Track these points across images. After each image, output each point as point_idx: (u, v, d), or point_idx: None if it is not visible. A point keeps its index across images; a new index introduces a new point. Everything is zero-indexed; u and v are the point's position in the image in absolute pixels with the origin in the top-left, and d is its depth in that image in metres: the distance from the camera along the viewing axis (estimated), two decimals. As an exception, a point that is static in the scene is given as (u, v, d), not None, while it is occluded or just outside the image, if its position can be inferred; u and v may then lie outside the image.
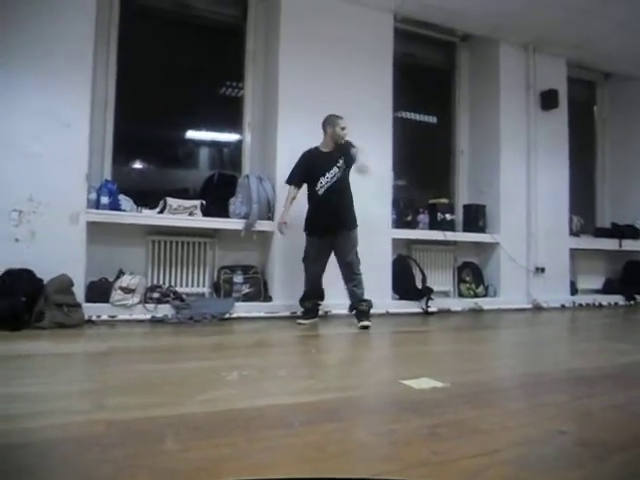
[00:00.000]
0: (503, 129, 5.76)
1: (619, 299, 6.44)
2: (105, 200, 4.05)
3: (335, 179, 3.93)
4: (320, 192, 3.94)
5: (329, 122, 4.01)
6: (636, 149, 6.77)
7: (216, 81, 5.15)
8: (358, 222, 4.04)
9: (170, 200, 4.29)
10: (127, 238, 4.30)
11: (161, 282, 4.36)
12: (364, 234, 4.14)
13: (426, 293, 5.11)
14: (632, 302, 6.44)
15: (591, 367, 2.66)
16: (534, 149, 5.90)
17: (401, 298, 5.12)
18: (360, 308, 3.93)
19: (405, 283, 5.19)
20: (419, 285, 5.24)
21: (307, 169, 4.02)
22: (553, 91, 5.94)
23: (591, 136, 7.14)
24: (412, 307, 5.06)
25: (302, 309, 4.19)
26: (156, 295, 4.14)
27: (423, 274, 5.29)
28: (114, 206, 4.10)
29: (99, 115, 4.36)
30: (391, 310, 4.88)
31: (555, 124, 6.07)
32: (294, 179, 4.07)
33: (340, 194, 3.95)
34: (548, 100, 5.94)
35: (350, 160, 3.90)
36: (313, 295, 4.14)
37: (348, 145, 3.91)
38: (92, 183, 4.12)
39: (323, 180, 3.93)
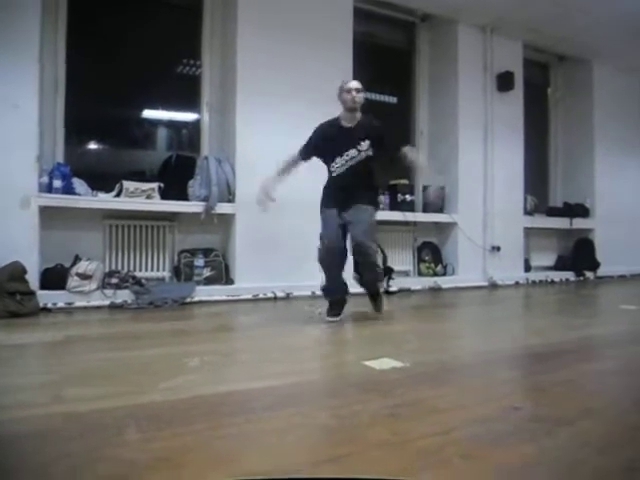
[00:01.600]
0: (461, 110, 5.83)
1: (570, 275, 6.72)
2: (58, 184, 3.91)
3: (354, 162, 3.29)
4: (334, 173, 3.36)
5: (338, 89, 3.36)
6: (586, 130, 6.99)
7: (173, 59, 4.99)
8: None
9: (126, 183, 4.17)
10: (83, 223, 4.18)
11: (119, 267, 4.27)
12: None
13: (387, 273, 5.18)
14: (582, 278, 6.72)
15: (545, 343, 2.77)
16: (491, 130, 6.01)
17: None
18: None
19: (366, 264, 5.24)
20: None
21: (317, 144, 3.39)
22: (509, 73, 6.03)
23: (544, 117, 7.32)
24: (373, 287, 5.11)
25: (328, 304, 3.57)
26: (114, 280, 4.06)
27: (384, 254, 5.36)
28: (67, 190, 3.97)
29: (49, 95, 4.17)
30: (352, 290, 4.91)
31: (511, 105, 6.18)
32: (302, 153, 3.45)
33: (358, 175, 3.31)
34: (504, 82, 6.04)
35: (385, 149, 3.39)
36: (332, 291, 3.56)
37: (378, 129, 3.38)
38: (44, 166, 3.96)
39: (339, 161, 3.30)
